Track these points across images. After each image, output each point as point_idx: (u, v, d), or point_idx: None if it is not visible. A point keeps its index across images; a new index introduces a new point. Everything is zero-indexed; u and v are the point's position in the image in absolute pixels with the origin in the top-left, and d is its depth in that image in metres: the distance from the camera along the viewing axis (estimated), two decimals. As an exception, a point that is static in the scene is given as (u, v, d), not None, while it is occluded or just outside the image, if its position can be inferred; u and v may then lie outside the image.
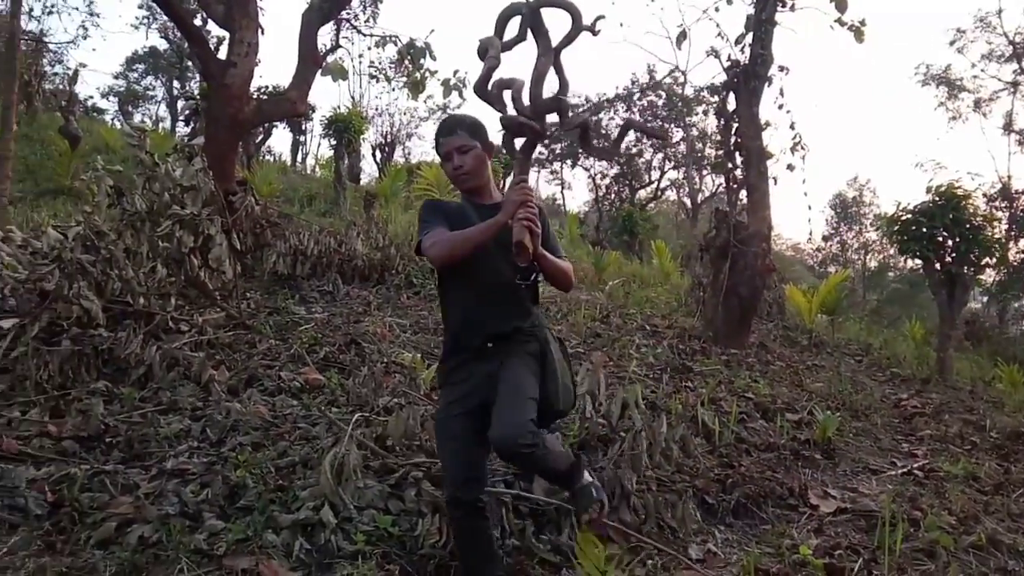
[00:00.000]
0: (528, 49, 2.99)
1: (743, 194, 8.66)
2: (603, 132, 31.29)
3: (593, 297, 10.03)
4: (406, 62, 9.83)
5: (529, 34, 2.95)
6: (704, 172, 31.95)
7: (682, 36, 8.57)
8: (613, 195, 32.36)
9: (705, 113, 28.42)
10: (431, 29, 19.67)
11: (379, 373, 5.15)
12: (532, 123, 2.75)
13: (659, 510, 3.71)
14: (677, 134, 31.07)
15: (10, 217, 8.86)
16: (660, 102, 30.48)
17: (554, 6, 2.93)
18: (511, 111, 2.83)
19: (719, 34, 8.35)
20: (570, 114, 2.86)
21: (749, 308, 8.22)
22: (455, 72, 9.55)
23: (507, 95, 2.88)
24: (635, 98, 30.70)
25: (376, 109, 26.25)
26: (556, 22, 2.96)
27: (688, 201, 32.35)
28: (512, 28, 3.01)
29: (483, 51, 2.93)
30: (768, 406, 5.96)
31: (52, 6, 17.92)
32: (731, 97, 8.58)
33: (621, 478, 3.66)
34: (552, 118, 2.89)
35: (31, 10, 16.94)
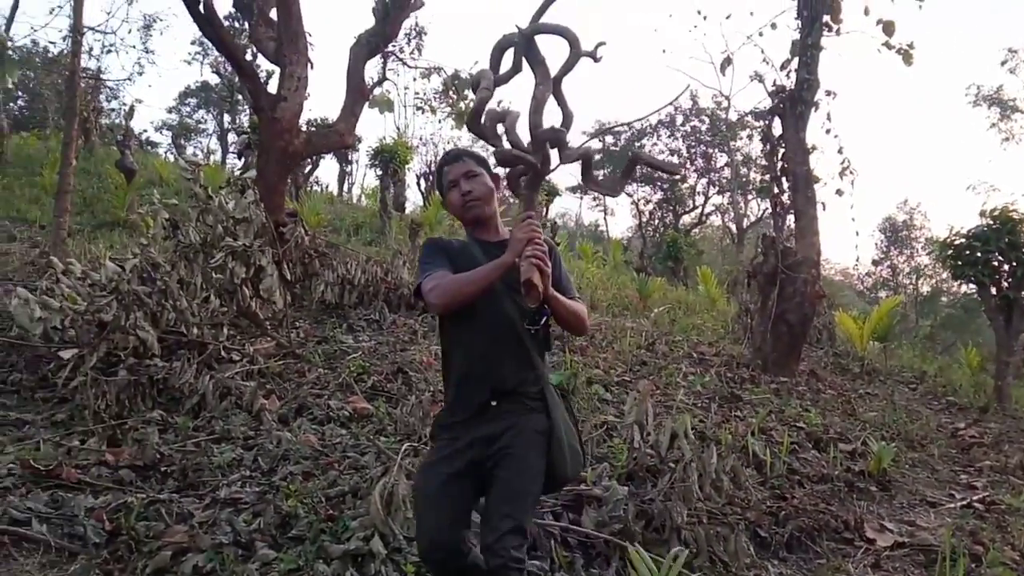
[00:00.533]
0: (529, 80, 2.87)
1: (790, 219, 8.56)
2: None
3: (638, 324, 9.96)
4: (450, 93, 9.96)
5: (525, 64, 2.83)
6: (749, 197, 31.66)
7: (726, 63, 8.57)
8: (657, 220, 32.21)
9: (750, 137, 28.34)
10: (475, 61, 19.94)
11: (426, 402, 5.17)
12: (526, 155, 2.59)
13: (711, 543, 3.64)
14: (721, 159, 30.91)
15: (69, 249, 9.14)
16: (703, 127, 30.38)
17: (549, 33, 2.79)
18: (506, 144, 2.69)
19: (764, 59, 8.31)
20: (570, 145, 2.72)
21: (798, 335, 8.09)
22: (499, 102, 9.65)
23: (500, 128, 2.73)
24: (678, 124, 30.64)
25: (421, 139, 26.55)
26: (556, 51, 2.86)
27: (733, 226, 32.06)
28: (508, 60, 2.90)
29: (475, 84, 2.80)
30: (820, 436, 5.84)
31: (111, 45, 18.50)
32: (777, 122, 8.52)
33: (671, 510, 3.61)
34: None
35: (91, 49, 17.52)
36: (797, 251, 8.03)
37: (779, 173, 8.31)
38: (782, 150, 8.40)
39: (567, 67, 2.76)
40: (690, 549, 3.59)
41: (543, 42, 2.83)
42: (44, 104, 27.58)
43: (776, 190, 8.77)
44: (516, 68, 2.86)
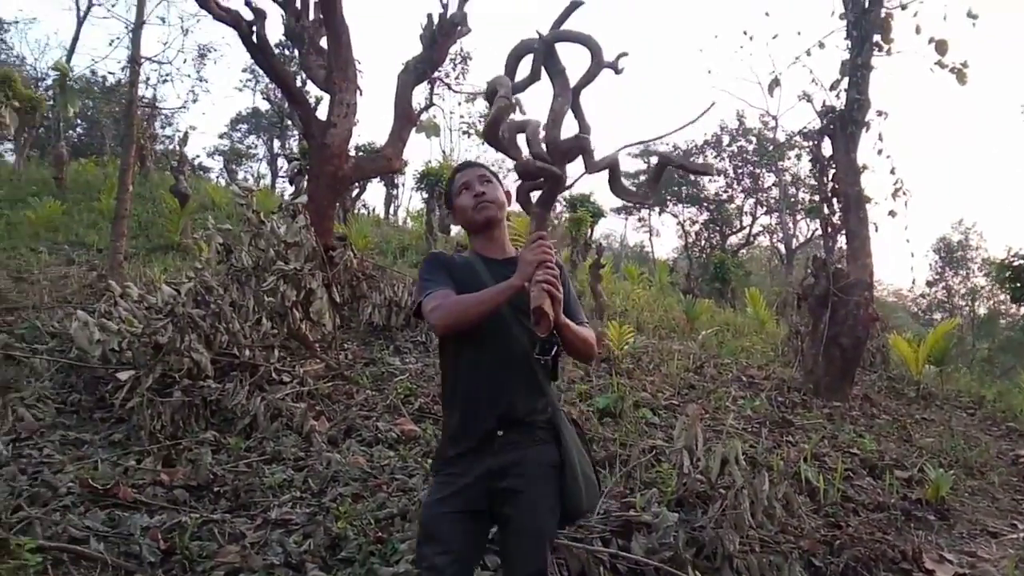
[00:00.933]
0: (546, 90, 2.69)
1: (841, 240, 8.43)
2: (692, 179, 31.08)
3: (686, 347, 9.87)
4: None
5: (544, 73, 2.65)
6: (798, 217, 31.25)
7: (775, 83, 8.49)
8: (703, 241, 31.98)
9: (798, 157, 28.02)
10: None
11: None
12: (552, 167, 2.43)
13: (763, 572, 3.57)
14: (769, 179, 30.61)
15: (125, 272, 9.39)
16: (750, 147, 30.15)
17: (571, 41, 2.63)
18: (526, 156, 2.52)
19: (813, 80, 8.24)
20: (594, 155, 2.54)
21: (851, 359, 7.93)
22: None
23: (521, 139, 2.57)
24: (724, 144, 30.47)
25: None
26: (577, 59, 2.70)
27: (782, 247, 31.66)
28: (525, 67, 2.72)
29: (492, 92, 2.60)
30: (875, 463, 5.70)
31: (167, 75, 19.10)
32: (827, 142, 8.42)
33: (723, 538, 3.54)
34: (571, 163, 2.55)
35: (147, 79, 18.13)
36: (849, 273, 7.89)
37: (830, 194, 8.20)
38: (832, 170, 8.29)
39: (588, 78, 2.61)
40: (743, 577, 3.53)
41: (563, 50, 2.67)
42: (102, 131, 28.53)
43: (826, 211, 8.65)
44: (534, 76, 2.69)
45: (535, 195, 2.52)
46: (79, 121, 28.71)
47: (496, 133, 2.52)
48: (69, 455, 4.40)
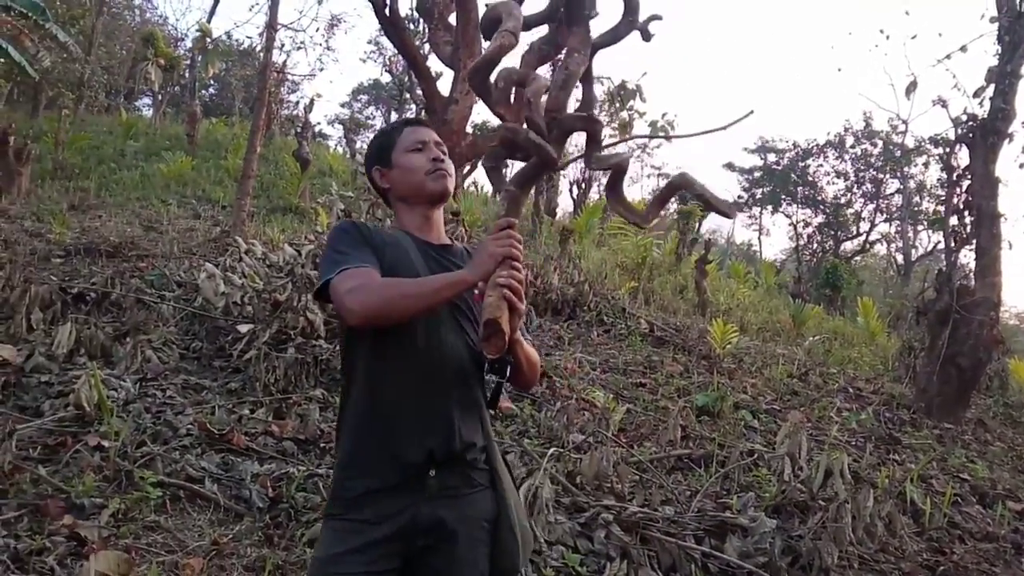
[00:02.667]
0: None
1: (965, 254, 8.02)
2: (809, 179, 30.09)
3: (790, 351, 9.60)
4: (615, 103, 9.96)
5: (563, 15, 2.13)
6: (920, 227, 29.80)
7: (912, 86, 8.12)
8: (815, 244, 30.91)
9: (926, 165, 26.68)
10: (643, 72, 19.85)
11: (571, 409, 5.20)
12: (548, 147, 1.88)
13: (860, 590, 3.48)
14: (892, 185, 29.27)
15: (246, 230, 9.83)
16: (875, 151, 28.88)
17: None
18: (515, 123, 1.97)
19: (955, 85, 7.82)
20: (604, 145, 2.05)
21: (969, 380, 7.55)
22: (663, 114, 9.59)
23: (514, 95, 2.03)
24: (847, 145, 29.29)
25: (576, 147, 26.70)
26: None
27: (900, 257, 30.25)
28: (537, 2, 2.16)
29: (492, 20, 2.04)
30: (986, 491, 5.43)
31: (300, 43, 19.71)
32: (963, 152, 8.00)
33: (821, 550, 3.47)
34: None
35: (282, 45, 18.77)
36: (975, 290, 7.50)
37: (962, 206, 7.79)
38: (967, 182, 7.87)
39: (613, 36, 2.13)
40: (838, 593, 3.45)
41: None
42: (232, 93, 29.79)
43: (955, 223, 8.23)
44: (551, 15, 2.16)
45: (505, 167, 2.03)
46: (212, 81, 30.04)
47: (487, 77, 1.97)
48: (189, 399, 4.67)
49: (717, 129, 2.10)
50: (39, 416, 4.06)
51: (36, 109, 21.27)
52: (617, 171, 2.06)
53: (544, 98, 1.96)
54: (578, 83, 2.10)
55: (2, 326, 5.22)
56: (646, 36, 2.22)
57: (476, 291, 1.72)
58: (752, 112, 2.02)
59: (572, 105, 2.08)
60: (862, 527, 3.86)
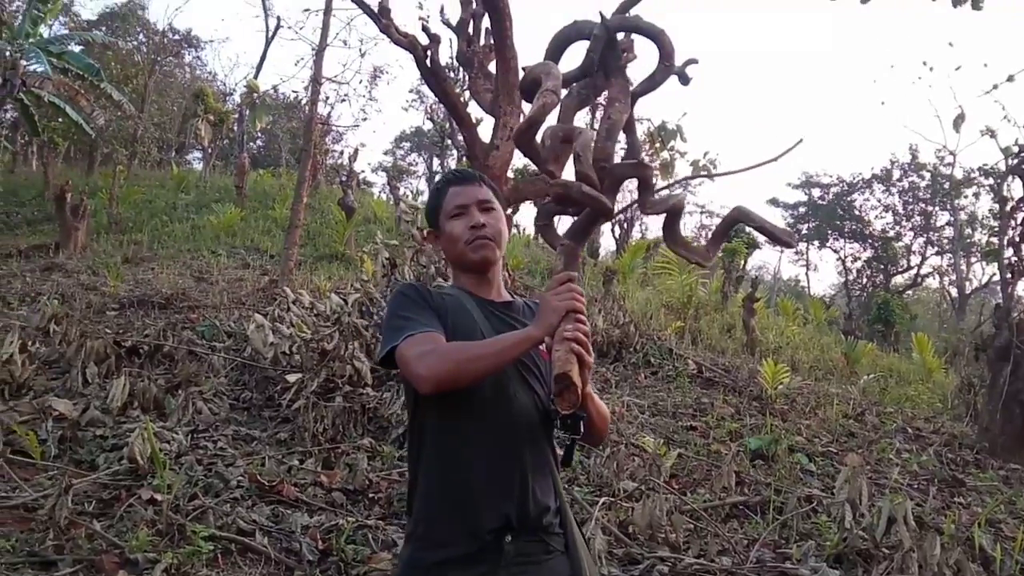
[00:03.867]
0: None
1: (1021, 288, 7.79)
2: (856, 213, 29.69)
3: (844, 391, 9.35)
4: (656, 143, 9.96)
5: (598, 69, 2.11)
6: (973, 260, 29.09)
7: (960, 118, 7.97)
8: (865, 279, 30.34)
9: (976, 196, 26.14)
10: (683, 112, 19.90)
11: (621, 456, 5.11)
12: (602, 198, 1.85)
13: (932, 644, 3.32)
14: (942, 217, 28.70)
15: (294, 278, 9.98)
16: (923, 183, 28.41)
17: (638, 32, 2.09)
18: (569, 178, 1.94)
19: (1005, 116, 7.68)
20: (657, 189, 2.00)
21: (1034, 418, 7.26)
22: (704, 153, 9.55)
23: (556, 149, 2.00)
24: (894, 179, 28.87)
25: (630, 191, 26.70)
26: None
27: (953, 290, 29.52)
28: (573, 58, 2.14)
29: (532, 83, 2.03)
30: (1060, 535, 5.17)
31: (344, 95, 20.23)
32: (1015, 183, 7.83)
33: (888, 602, 3.32)
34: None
35: (327, 98, 19.25)
36: (1036, 325, 7.25)
37: (1018, 238, 7.58)
38: (1021, 213, 7.68)
39: (652, 83, 2.08)
40: (908, 648, 3.29)
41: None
42: (279, 145, 30.56)
43: (1011, 255, 8.02)
44: (587, 69, 2.13)
45: (557, 218, 2.00)
46: (259, 134, 30.86)
47: (532, 137, 1.96)
48: (240, 450, 4.70)
49: (768, 161, 2.09)
50: (94, 470, 4.12)
51: (91, 166, 22.07)
52: (673, 213, 2.00)
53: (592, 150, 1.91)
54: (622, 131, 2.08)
55: (59, 380, 5.34)
56: (684, 80, 2.16)
57: (543, 347, 1.69)
58: (802, 141, 2.02)
59: (618, 154, 2.04)
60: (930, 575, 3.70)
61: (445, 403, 1.71)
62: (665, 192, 2.03)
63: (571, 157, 1.94)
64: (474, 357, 1.64)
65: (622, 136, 2.12)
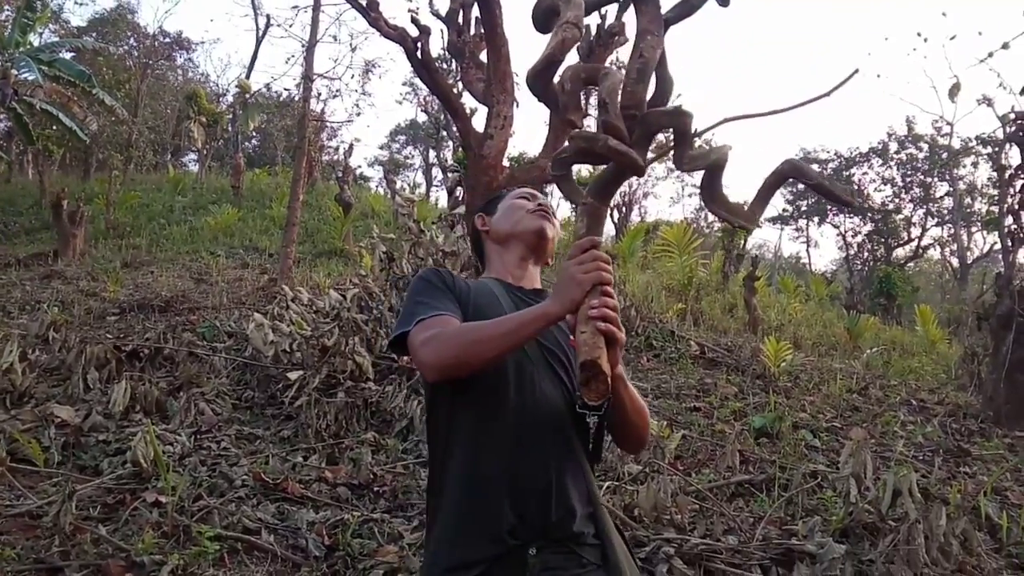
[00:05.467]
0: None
1: (1022, 256, 7.76)
2: (855, 188, 29.60)
3: (848, 365, 9.34)
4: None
5: None
6: (973, 229, 29.02)
7: (956, 88, 7.92)
8: (866, 253, 30.28)
9: (975, 165, 26.05)
10: (678, 94, 19.76)
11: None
12: (633, 154, 1.56)
13: (940, 615, 3.32)
14: (941, 188, 28.61)
15: (293, 276, 9.97)
16: (920, 155, 28.31)
17: None
18: (591, 124, 1.73)
19: (1000, 84, 7.63)
20: (697, 140, 1.65)
21: (1038, 386, 7.25)
22: (696, 131, 9.48)
23: (583, 94, 1.73)
24: (892, 152, 28.77)
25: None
26: None
27: (955, 261, 29.44)
28: None
29: (547, 11, 1.74)
30: (1066, 501, 5.17)
31: (336, 91, 20.22)
32: (1013, 150, 7.78)
33: (894, 575, 3.32)
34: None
35: (319, 94, 19.20)
36: (1038, 293, 7.23)
37: (1018, 206, 7.55)
38: (1020, 181, 7.63)
39: (688, 7, 1.72)
40: (916, 619, 3.29)
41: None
42: (274, 143, 30.51)
43: (1011, 223, 7.98)
44: None
45: (599, 179, 1.66)
46: (254, 134, 30.81)
47: (549, 80, 1.68)
48: (244, 449, 4.70)
49: (821, 96, 1.73)
50: (98, 475, 4.12)
51: (87, 172, 22.06)
52: (715, 169, 1.69)
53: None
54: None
55: (60, 387, 5.34)
56: (723, 1, 1.77)
57: (572, 337, 1.46)
58: (857, 71, 1.67)
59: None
60: (936, 547, 3.69)
61: (460, 394, 1.58)
62: (705, 146, 1.70)
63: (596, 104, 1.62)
64: (481, 339, 1.46)
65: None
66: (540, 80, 1.68)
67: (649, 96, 1.63)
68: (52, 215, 12.65)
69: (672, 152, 1.64)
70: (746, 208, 1.76)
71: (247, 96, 21.73)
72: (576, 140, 1.61)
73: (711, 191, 1.71)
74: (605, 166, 1.64)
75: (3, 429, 4.41)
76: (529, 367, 1.61)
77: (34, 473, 4.13)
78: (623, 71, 1.65)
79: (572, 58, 1.74)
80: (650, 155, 1.72)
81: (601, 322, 1.38)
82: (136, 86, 22.09)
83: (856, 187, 29.86)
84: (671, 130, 1.63)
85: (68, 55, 17.94)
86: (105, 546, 3.38)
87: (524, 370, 1.60)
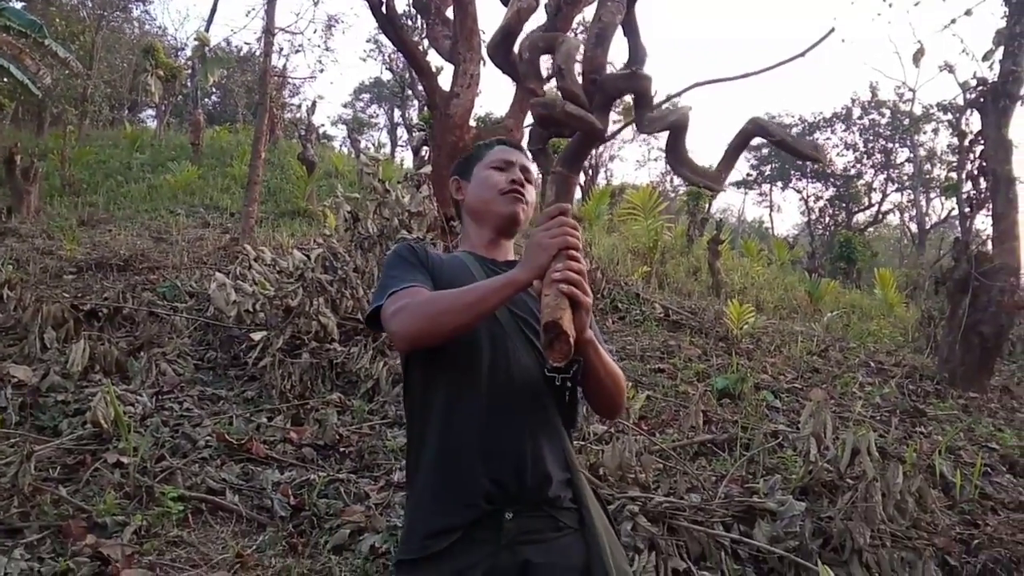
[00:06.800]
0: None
1: (980, 220, 7.92)
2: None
3: (808, 328, 9.51)
4: (619, 87, 9.82)
5: None
6: (932, 195, 29.52)
7: (920, 53, 7.98)
8: (828, 218, 30.70)
9: (935, 132, 26.40)
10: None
11: (590, 400, 5.14)
12: (590, 118, 1.60)
13: (895, 568, 3.41)
14: (902, 154, 28.99)
15: (256, 236, 9.82)
16: (883, 120, 28.61)
17: None
18: (551, 91, 1.75)
19: (964, 50, 7.70)
20: (655, 105, 1.68)
21: (992, 348, 7.44)
22: (668, 96, 9.47)
23: (544, 63, 1.83)
24: (855, 117, 29.03)
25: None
26: None
27: (914, 226, 29.98)
28: None
29: None
30: (1016, 459, 5.34)
31: (299, 46, 19.74)
32: (974, 116, 7.89)
33: (852, 531, 3.40)
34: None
35: (280, 49, 18.77)
36: (994, 257, 7.38)
37: (976, 172, 7.67)
38: (979, 147, 7.75)
39: None
40: (872, 573, 3.38)
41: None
42: (235, 100, 29.84)
43: (969, 189, 8.12)
44: None
45: (566, 147, 1.72)
46: (214, 89, 30.09)
47: (509, 48, 1.74)
48: (207, 410, 4.66)
49: (796, 56, 1.77)
50: (57, 436, 4.05)
51: (41, 127, 21.40)
52: (676, 130, 1.72)
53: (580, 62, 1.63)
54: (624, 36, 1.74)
55: (16, 347, 5.22)
56: None
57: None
58: (833, 30, 1.71)
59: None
60: (892, 504, 3.79)
61: (436, 364, 1.60)
62: (666, 106, 1.73)
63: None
64: (449, 308, 1.48)
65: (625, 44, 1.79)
66: (500, 50, 1.76)
67: (622, 66, 1.65)
68: (5, 171, 12.25)
69: (638, 117, 1.66)
70: (712, 170, 1.79)
71: (206, 50, 21.17)
72: (535, 107, 1.63)
73: (676, 153, 1.74)
74: (571, 140, 1.65)
75: (-43, 389, 4.31)
76: (502, 336, 1.62)
77: (-10, 434, 4.05)
78: (580, 41, 1.69)
79: (540, 19, 1.72)
80: (616, 120, 1.75)
81: (564, 284, 1.39)
82: (91, 38, 21.36)
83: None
84: (632, 94, 1.64)
85: (18, 4, 17.27)
86: (66, 507, 3.33)
87: (497, 339, 1.61)
